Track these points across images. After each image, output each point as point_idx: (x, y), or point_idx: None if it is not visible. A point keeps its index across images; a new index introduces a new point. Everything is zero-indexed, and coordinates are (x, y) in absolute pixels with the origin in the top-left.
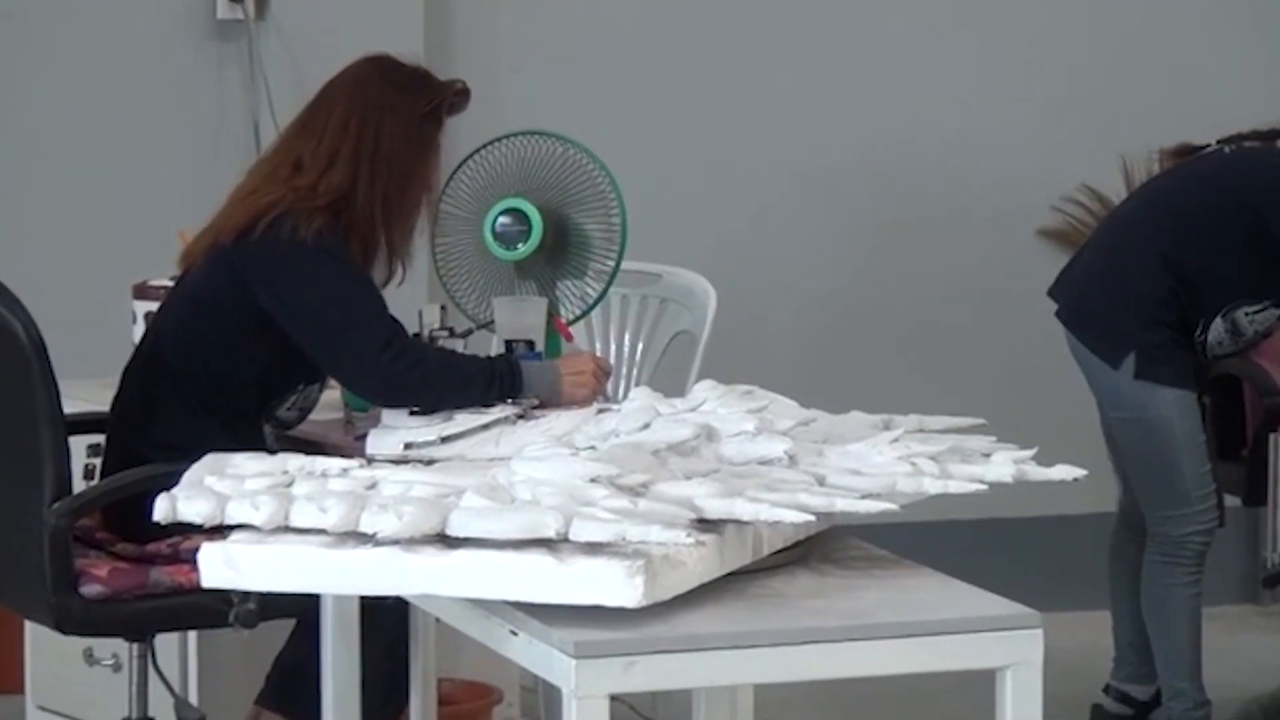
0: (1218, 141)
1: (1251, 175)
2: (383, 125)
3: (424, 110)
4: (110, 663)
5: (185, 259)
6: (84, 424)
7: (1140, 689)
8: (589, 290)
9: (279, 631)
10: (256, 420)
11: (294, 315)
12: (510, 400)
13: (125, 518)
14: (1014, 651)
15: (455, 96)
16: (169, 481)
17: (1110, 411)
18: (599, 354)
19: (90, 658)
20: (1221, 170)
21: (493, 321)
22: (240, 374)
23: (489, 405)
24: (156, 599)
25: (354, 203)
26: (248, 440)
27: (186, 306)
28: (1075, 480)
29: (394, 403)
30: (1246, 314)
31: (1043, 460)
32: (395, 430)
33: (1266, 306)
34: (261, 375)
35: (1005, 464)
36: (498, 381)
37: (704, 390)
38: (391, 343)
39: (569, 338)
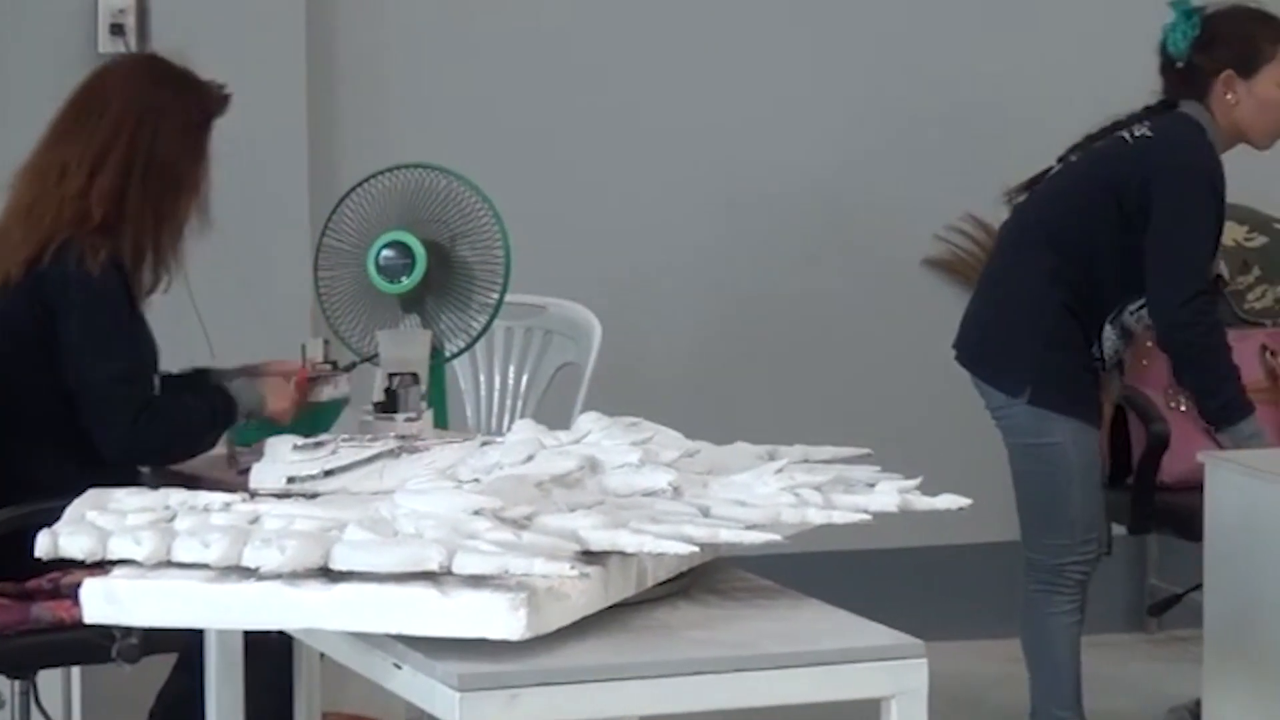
0: (1058, 160)
1: (1106, 169)
2: (159, 129)
3: (197, 114)
4: None
5: None
6: None
7: None
8: (473, 323)
9: (163, 666)
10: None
11: (67, 349)
12: (230, 423)
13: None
14: (899, 681)
15: (222, 100)
16: (49, 518)
17: (1008, 438)
18: (481, 386)
19: None
20: (1078, 177)
21: (377, 355)
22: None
23: (216, 441)
24: (38, 635)
25: (125, 209)
26: (110, 475)
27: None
28: (960, 509)
29: (141, 462)
30: (1131, 312)
31: (927, 490)
32: (278, 464)
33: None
34: None
35: (890, 494)
36: (221, 415)
37: (588, 422)
38: (145, 409)
39: (302, 384)
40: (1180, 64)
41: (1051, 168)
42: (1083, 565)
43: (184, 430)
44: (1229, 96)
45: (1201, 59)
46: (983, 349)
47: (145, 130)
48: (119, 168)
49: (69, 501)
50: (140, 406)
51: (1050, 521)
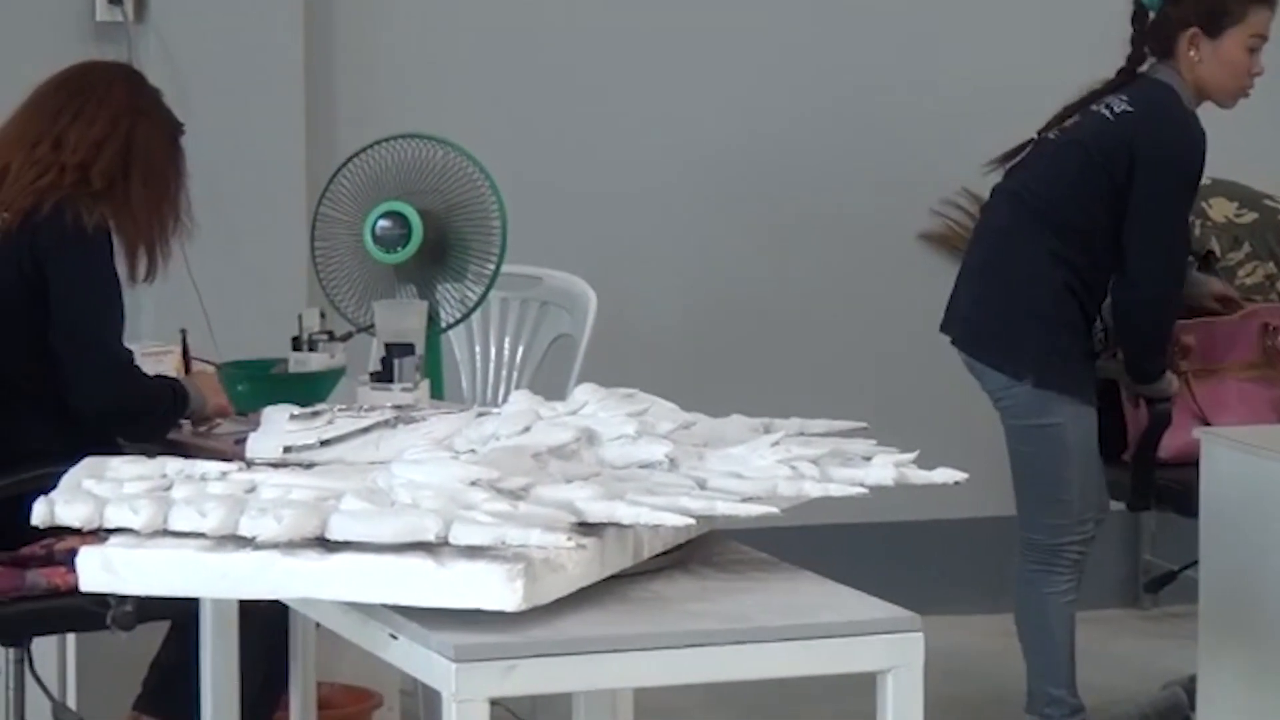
0: (1038, 133)
1: (1094, 148)
2: (152, 131)
3: (175, 128)
4: None
5: None
6: None
7: None
8: (469, 293)
9: (158, 634)
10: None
11: (59, 300)
12: (181, 413)
13: None
14: (895, 655)
15: (181, 126)
16: (42, 485)
17: (1008, 419)
18: (476, 357)
19: None
20: (1067, 156)
21: (372, 325)
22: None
23: (168, 430)
24: (32, 601)
25: (127, 197)
26: (95, 441)
27: None
28: (956, 484)
29: (110, 424)
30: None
31: (924, 463)
32: (274, 434)
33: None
34: None
35: (886, 467)
36: (179, 402)
37: (585, 393)
38: (124, 368)
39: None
40: (1151, 14)
41: (1029, 142)
42: (1080, 545)
43: (154, 401)
44: (1192, 54)
45: (1171, 11)
46: (982, 333)
47: (140, 130)
48: (116, 159)
49: (62, 469)
50: (121, 362)
51: (1049, 501)
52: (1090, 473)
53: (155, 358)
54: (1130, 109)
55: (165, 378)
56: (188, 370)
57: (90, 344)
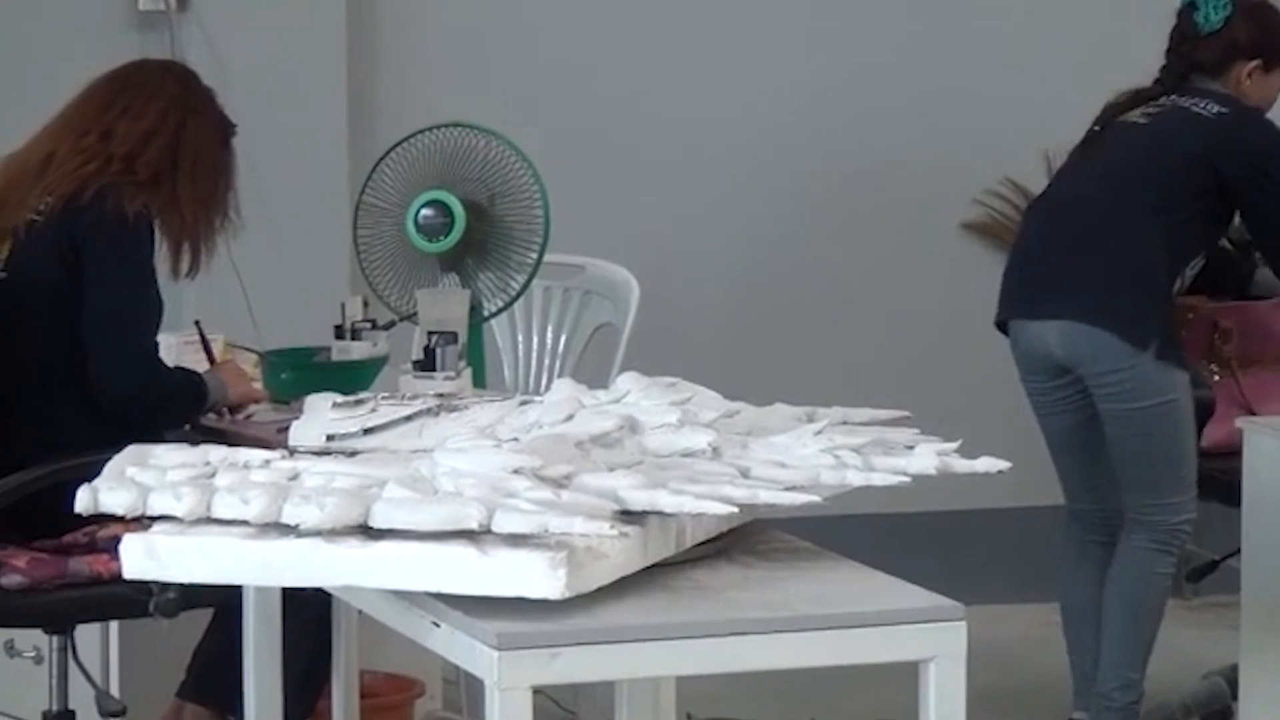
0: (1104, 121)
1: (1197, 140)
2: (202, 129)
3: (226, 127)
4: (31, 655)
5: None
6: None
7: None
8: (511, 282)
9: (200, 622)
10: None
11: (92, 284)
12: (201, 407)
13: (29, 516)
14: (938, 644)
15: (233, 126)
16: (82, 474)
17: (1124, 403)
18: (519, 346)
19: (11, 650)
20: (1164, 143)
21: (415, 313)
22: None
23: (189, 422)
24: (76, 589)
25: (174, 193)
26: (133, 429)
27: (25, 296)
28: (999, 473)
29: (128, 415)
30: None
31: (966, 453)
32: (317, 422)
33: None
34: None
35: (929, 456)
36: (201, 396)
37: (627, 382)
38: (153, 360)
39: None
40: (1205, 35)
41: (1105, 126)
42: (1191, 524)
43: (173, 396)
44: (1246, 81)
45: (1239, 37)
46: (1102, 303)
47: (189, 127)
48: (164, 153)
49: (104, 457)
50: (145, 354)
51: (1173, 480)
52: (1196, 448)
53: (194, 346)
54: (1226, 110)
55: (184, 370)
56: (211, 360)
57: (115, 332)
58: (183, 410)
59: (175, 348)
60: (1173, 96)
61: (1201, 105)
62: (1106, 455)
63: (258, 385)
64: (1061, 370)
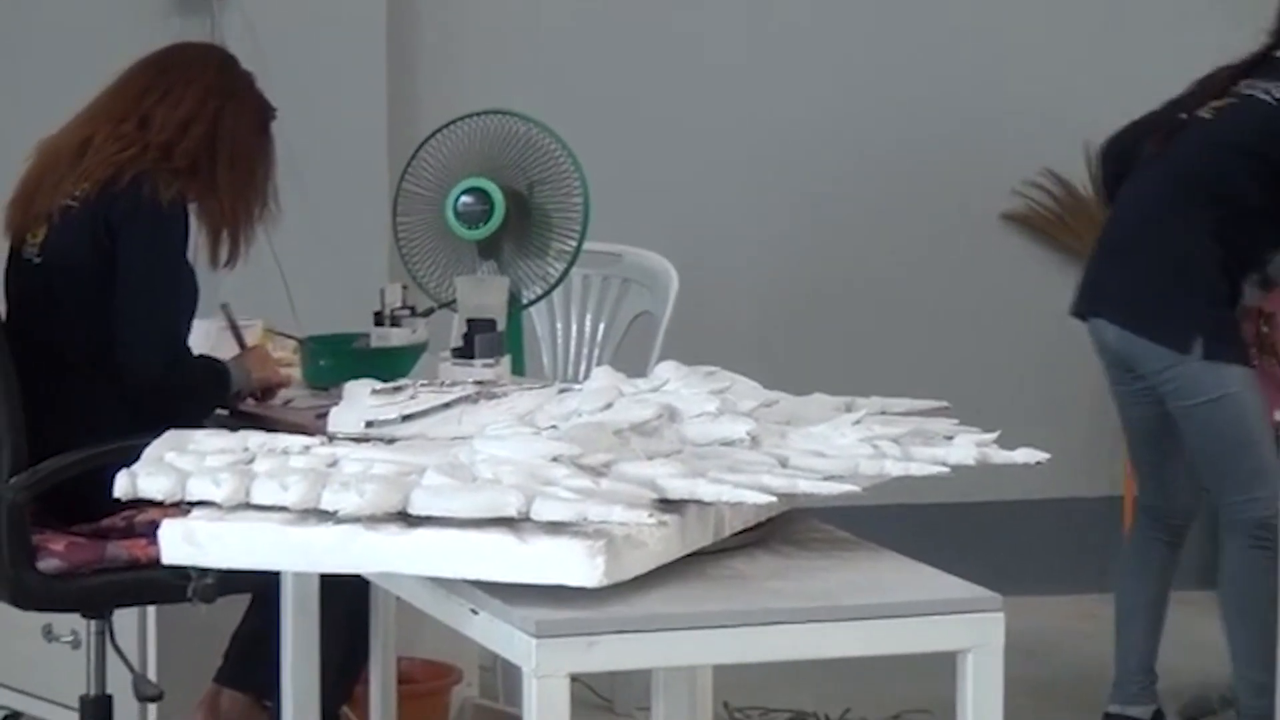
0: (1176, 107)
1: (1266, 129)
2: (240, 114)
3: (265, 113)
4: (69, 639)
5: (25, 221)
6: None
7: (1142, 709)
8: (550, 270)
9: (238, 607)
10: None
11: (124, 269)
12: (224, 395)
13: (67, 500)
14: (975, 634)
15: (273, 110)
16: (125, 458)
17: (1179, 401)
18: (558, 334)
19: (49, 634)
20: (1229, 134)
21: (454, 300)
22: None
23: (210, 412)
24: (113, 573)
25: (213, 181)
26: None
27: (59, 280)
28: (1038, 464)
29: (154, 402)
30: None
31: (1005, 443)
32: (356, 408)
33: None
34: None
35: (968, 447)
36: (224, 385)
37: (666, 371)
38: (183, 352)
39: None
40: None
41: (1177, 121)
42: (1277, 516)
43: (197, 386)
44: None
45: None
46: (1143, 308)
47: (228, 113)
48: (202, 140)
49: (142, 442)
50: (173, 341)
51: (1250, 474)
52: (1270, 433)
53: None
54: None
55: (207, 358)
56: (241, 345)
57: (142, 318)
58: (205, 399)
59: (212, 334)
60: (1249, 79)
61: (1270, 92)
62: (1179, 452)
63: (287, 371)
64: (1130, 365)
